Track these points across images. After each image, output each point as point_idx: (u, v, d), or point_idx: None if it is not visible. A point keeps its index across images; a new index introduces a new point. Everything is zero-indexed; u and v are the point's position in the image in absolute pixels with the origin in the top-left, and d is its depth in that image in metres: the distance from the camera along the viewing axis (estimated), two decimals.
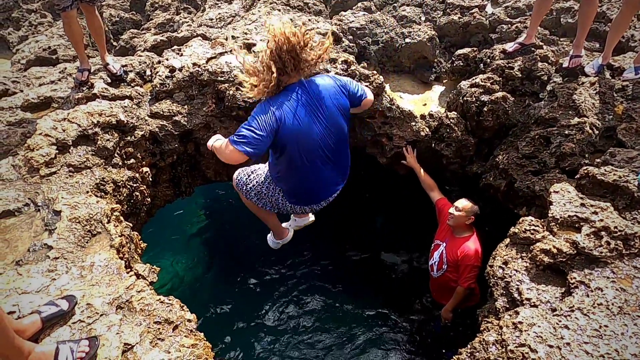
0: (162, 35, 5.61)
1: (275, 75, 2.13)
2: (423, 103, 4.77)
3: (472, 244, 3.35)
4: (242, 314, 4.44)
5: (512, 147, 3.69)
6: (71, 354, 1.85)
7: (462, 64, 4.67)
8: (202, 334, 2.30)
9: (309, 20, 5.11)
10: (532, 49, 4.16)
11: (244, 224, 5.45)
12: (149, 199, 3.82)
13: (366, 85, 3.98)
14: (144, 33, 6.32)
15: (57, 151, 3.32)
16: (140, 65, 4.49)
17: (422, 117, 4.15)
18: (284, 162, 2.40)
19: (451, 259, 3.42)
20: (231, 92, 4.02)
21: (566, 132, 3.34)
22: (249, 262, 5.16)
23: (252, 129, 2.14)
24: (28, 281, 2.32)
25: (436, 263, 3.59)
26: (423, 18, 5.58)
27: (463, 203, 3.47)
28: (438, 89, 4.98)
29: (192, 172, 4.44)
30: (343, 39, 4.92)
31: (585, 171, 2.90)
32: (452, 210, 3.50)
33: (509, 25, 4.82)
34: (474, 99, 3.86)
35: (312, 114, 2.26)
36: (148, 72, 4.47)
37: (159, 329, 2.19)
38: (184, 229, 5.02)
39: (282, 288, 4.88)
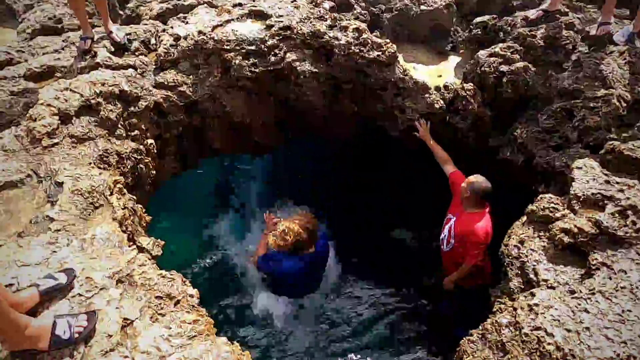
0: (168, 3, 5.41)
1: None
2: (438, 74, 4.55)
3: (481, 222, 3.21)
4: (247, 287, 4.41)
5: (532, 121, 3.49)
6: (69, 328, 1.80)
7: (480, 32, 4.42)
8: (205, 309, 2.24)
9: None
10: (557, 16, 3.90)
11: (251, 197, 5.38)
12: (154, 172, 3.74)
13: (378, 55, 3.80)
14: (150, 1, 6.13)
15: (59, 122, 3.23)
16: (145, 33, 4.34)
17: (437, 88, 3.95)
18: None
19: (458, 233, 3.31)
20: (237, 62, 3.86)
21: (591, 104, 3.13)
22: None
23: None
24: (28, 253, 2.27)
25: (445, 237, 3.48)
26: None
27: (471, 178, 3.32)
28: (454, 59, 4.75)
29: (198, 144, 4.34)
30: (355, 6, 4.70)
31: (611, 146, 2.72)
32: (463, 184, 3.38)
33: None
34: (493, 69, 3.65)
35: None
36: (153, 41, 4.32)
37: (160, 304, 2.13)
38: (191, 202, 4.95)
39: None
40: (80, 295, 2.04)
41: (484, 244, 3.15)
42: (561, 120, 3.30)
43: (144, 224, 3.21)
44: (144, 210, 3.24)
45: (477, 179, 3.29)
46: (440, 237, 3.58)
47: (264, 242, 3.63)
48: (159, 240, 3.03)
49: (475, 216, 3.23)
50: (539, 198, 2.77)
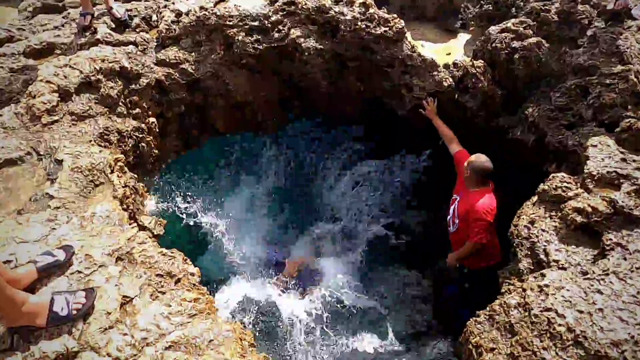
0: None
1: None
2: (447, 52, 4.42)
3: (483, 199, 3.13)
4: (253, 270, 4.38)
5: (545, 99, 3.38)
6: (67, 305, 1.76)
7: (492, 8, 4.27)
8: (205, 288, 2.19)
9: None
10: None
11: (253, 180, 5.30)
12: (156, 151, 3.69)
13: (385, 30, 3.67)
14: None
15: (59, 99, 3.17)
16: (145, 10, 4.24)
17: (446, 66, 3.83)
18: None
19: (461, 213, 3.24)
20: (240, 38, 3.76)
21: (607, 81, 3.01)
22: (262, 218, 5.06)
23: None
24: (27, 230, 2.23)
25: (450, 218, 3.42)
26: None
27: (472, 157, 3.24)
28: (464, 37, 4.61)
29: (201, 123, 4.26)
30: None
31: (628, 124, 2.61)
32: (464, 163, 3.30)
33: None
34: (504, 45, 3.52)
35: None
36: (154, 18, 4.21)
37: (160, 282, 2.09)
38: (193, 182, 4.90)
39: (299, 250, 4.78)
40: (79, 272, 2.00)
41: (485, 221, 3.07)
42: (575, 98, 3.18)
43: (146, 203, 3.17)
44: (145, 190, 3.19)
45: (478, 158, 3.20)
46: (447, 219, 3.51)
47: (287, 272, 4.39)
48: (161, 219, 2.99)
49: (477, 194, 3.16)
50: (550, 177, 2.68)
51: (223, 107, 4.18)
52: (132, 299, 1.95)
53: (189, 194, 4.08)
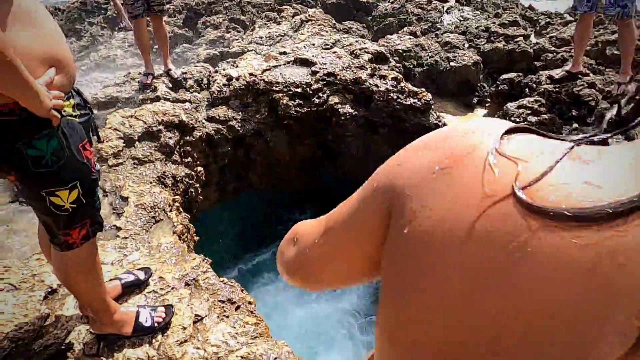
0: (215, 50, 5.94)
1: None
2: None
3: None
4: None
5: None
6: (150, 317, 1.96)
7: (507, 88, 4.79)
8: (262, 316, 2.37)
9: (356, 41, 5.34)
10: (579, 76, 4.25)
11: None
12: (200, 197, 3.98)
13: (414, 102, 4.14)
14: (196, 48, 6.70)
15: (124, 144, 3.54)
16: (198, 74, 4.76)
17: None
18: None
19: None
20: (284, 102, 4.22)
21: None
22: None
23: None
24: (104, 255, 2.46)
25: None
26: (467, 45, 5.76)
27: None
28: (481, 111, 5.09)
29: (238, 177, 4.61)
30: (390, 60, 5.12)
31: None
32: None
33: (554, 54, 4.94)
34: (522, 119, 3.95)
35: None
36: (205, 81, 4.73)
37: (223, 306, 2.28)
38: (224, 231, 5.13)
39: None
40: (154, 292, 2.21)
41: None
42: None
43: (193, 243, 3.40)
44: (194, 231, 3.44)
45: None
46: None
47: None
48: (207, 258, 3.21)
49: None
50: None
51: (261, 163, 4.55)
52: (203, 318, 2.14)
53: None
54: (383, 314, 0.47)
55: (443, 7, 7.69)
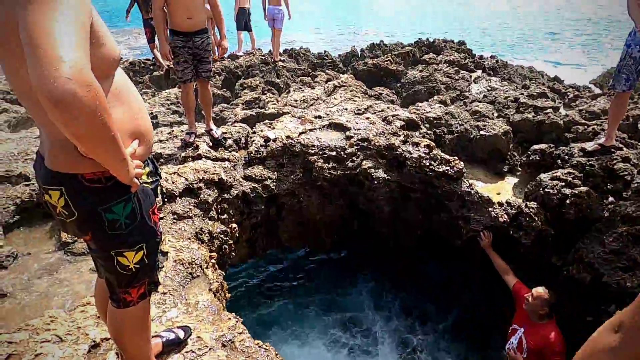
0: (252, 111, 6.25)
1: None
2: (497, 192, 4.89)
3: (554, 332, 3.24)
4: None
5: (597, 242, 3.66)
6: None
7: (538, 158, 4.83)
8: None
9: (388, 108, 5.55)
10: (612, 150, 4.28)
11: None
12: (233, 254, 4.04)
13: (446, 169, 4.21)
14: (233, 108, 7.05)
15: (165, 199, 3.68)
16: (236, 133, 5.00)
17: (500, 204, 4.25)
18: None
19: (533, 347, 3.29)
20: (319, 164, 4.36)
21: None
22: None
23: None
24: None
25: (514, 347, 3.46)
26: (495, 114, 5.90)
27: (539, 291, 3.42)
28: (511, 180, 5.11)
29: (269, 235, 4.67)
30: (421, 126, 5.28)
31: None
32: (527, 295, 3.46)
33: (585, 127, 5.01)
34: (556, 191, 3.95)
35: None
36: (243, 140, 4.96)
37: None
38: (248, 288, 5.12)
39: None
40: (192, 351, 2.22)
41: (564, 353, 3.15)
42: (628, 244, 3.46)
43: (225, 301, 3.41)
44: (227, 288, 3.47)
45: (545, 291, 3.39)
46: (507, 347, 3.56)
47: None
48: (238, 317, 3.20)
49: (547, 327, 3.27)
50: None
51: (292, 221, 4.63)
52: None
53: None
54: None
55: (470, 76, 7.97)
